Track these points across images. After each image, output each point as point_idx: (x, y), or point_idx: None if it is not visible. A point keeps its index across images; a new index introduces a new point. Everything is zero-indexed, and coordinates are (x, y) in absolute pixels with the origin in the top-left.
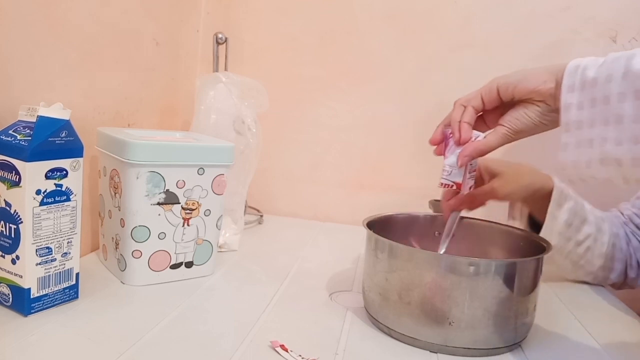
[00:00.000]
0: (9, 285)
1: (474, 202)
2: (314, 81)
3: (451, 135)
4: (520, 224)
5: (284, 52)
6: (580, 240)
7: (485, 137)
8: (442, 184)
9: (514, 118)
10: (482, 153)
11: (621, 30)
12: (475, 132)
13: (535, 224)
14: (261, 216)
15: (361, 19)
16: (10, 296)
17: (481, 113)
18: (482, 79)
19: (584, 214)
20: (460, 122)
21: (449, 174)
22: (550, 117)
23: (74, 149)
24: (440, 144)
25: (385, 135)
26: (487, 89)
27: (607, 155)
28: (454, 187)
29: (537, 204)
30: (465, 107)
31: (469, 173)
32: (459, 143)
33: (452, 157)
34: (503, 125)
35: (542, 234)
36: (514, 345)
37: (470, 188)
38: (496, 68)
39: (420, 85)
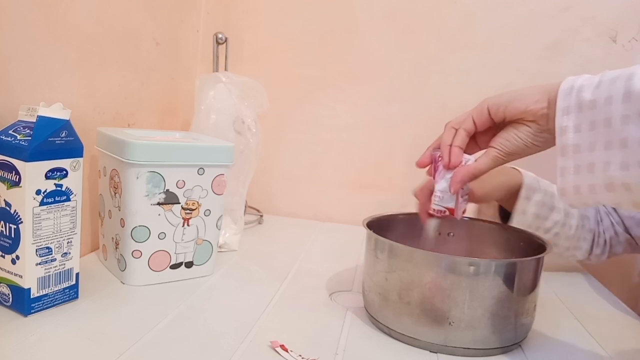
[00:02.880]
0: (9, 285)
1: None
2: (314, 81)
3: (440, 158)
4: (488, 217)
5: (284, 52)
6: (548, 227)
7: (476, 160)
8: (435, 210)
9: (505, 139)
10: (474, 177)
11: (621, 30)
12: (465, 155)
13: (505, 213)
14: (261, 216)
15: (361, 19)
16: (10, 296)
17: (473, 134)
18: (482, 79)
19: (552, 203)
20: (450, 146)
21: (441, 200)
22: (542, 138)
23: (74, 149)
24: (429, 166)
25: (385, 135)
26: (478, 110)
27: (612, 180)
28: (447, 213)
29: (509, 200)
30: (456, 129)
31: (462, 197)
32: (448, 167)
33: (442, 182)
34: (494, 148)
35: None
36: (514, 345)
37: (463, 212)
38: (496, 68)
39: (420, 85)
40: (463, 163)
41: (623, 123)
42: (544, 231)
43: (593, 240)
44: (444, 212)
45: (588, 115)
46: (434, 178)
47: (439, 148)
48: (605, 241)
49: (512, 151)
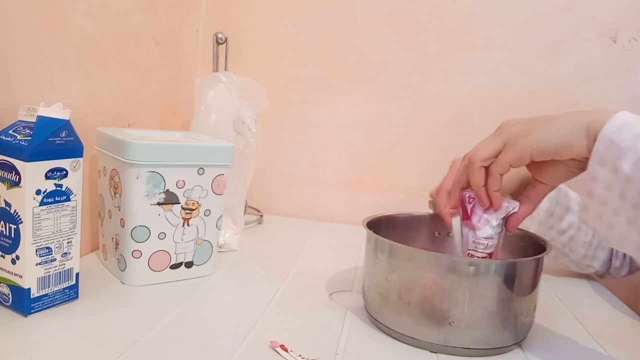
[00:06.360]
0: (9, 285)
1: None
2: (314, 81)
3: (472, 199)
4: None
5: (284, 52)
6: (563, 229)
7: (526, 196)
8: (478, 258)
9: (556, 177)
10: (530, 214)
11: (621, 30)
12: (506, 200)
13: None
14: (261, 216)
15: (361, 19)
16: (10, 296)
17: None
18: (482, 79)
19: (567, 203)
20: (492, 192)
21: (486, 247)
22: None
23: (74, 149)
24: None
25: (385, 135)
26: (516, 157)
27: (630, 242)
28: (487, 257)
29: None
30: (485, 167)
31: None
32: (488, 209)
33: (487, 228)
34: (544, 184)
35: None
36: (514, 345)
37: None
38: (496, 68)
39: (420, 85)
40: (505, 207)
41: None
42: (559, 232)
43: (611, 250)
44: (485, 257)
45: (621, 184)
46: (468, 219)
47: (467, 188)
48: (624, 254)
49: (562, 182)
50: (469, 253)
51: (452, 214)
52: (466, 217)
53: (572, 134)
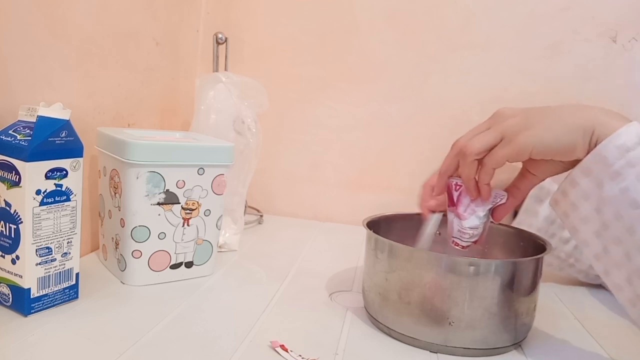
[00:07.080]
0: (9, 285)
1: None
2: (314, 81)
3: (458, 187)
4: None
5: (284, 52)
6: (566, 237)
7: (513, 185)
8: (463, 246)
9: (549, 170)
10: (517, 204)
11: (621, 30)
12: (494, 191)
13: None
14: (261, 216)
15: (361, 19)
16: (10, 296)
17: None
18: (482, 79)
19: None
20: (483, 184)
21: (471, 236)
22: None
23: (74, 149)
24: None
25: (385, 135)
26: (515, 153)
27: (593, 247)
28: (474, 243)
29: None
30: (478, 160)
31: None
32: (475, 199)
33: (473, 218)
34: (535, 175)
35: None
36: (514, 345)
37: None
38: (496, 68)
39: (420, 85)
40: (493, 197)
41: (614, 242)
42: (562, 241)
43: None
44: (469, 245)
45: (600, 200)
46: (454, 206)
47: (454, 175)
48: None
49: (554, 175)
50: (453, 241)
51: (430, 210)
52: (452, 204)
53: (575, 137)
